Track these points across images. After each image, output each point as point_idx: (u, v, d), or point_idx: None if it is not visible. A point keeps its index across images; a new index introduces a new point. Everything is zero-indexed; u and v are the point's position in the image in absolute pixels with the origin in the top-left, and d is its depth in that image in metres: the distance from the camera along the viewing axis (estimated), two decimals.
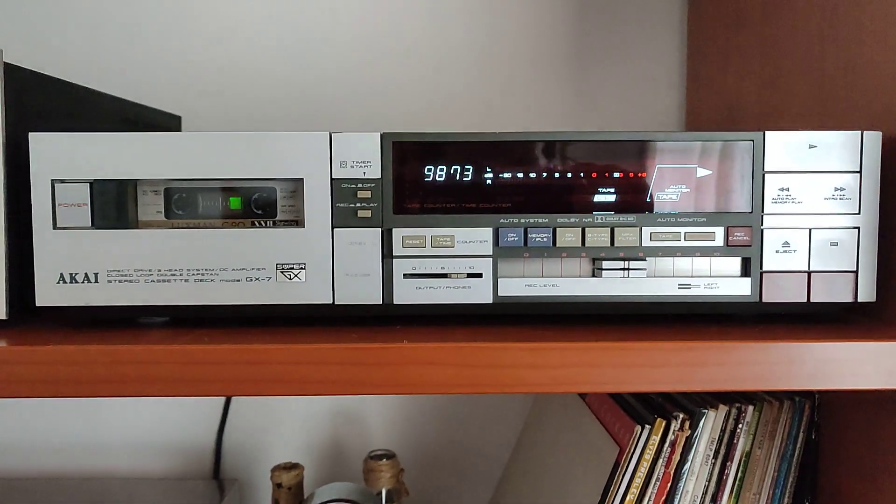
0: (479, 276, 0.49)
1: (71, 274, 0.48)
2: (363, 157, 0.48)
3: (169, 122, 0.81)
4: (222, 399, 0.88)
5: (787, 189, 0.49)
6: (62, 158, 0.48)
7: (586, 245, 0.49)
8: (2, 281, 0.48)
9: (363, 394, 0.45)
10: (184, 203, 0.49)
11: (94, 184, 0.48)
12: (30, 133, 0.47)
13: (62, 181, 0.48)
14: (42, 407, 0.90)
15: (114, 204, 0.48)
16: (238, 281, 0.49)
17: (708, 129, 0.81)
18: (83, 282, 0.48)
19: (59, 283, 0.48)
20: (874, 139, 0.49)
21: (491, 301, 0.49)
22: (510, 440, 0.91)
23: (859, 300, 0.50)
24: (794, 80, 0.64)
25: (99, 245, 0.48)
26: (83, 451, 0.90)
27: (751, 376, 0.46)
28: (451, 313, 0.50)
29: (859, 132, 0.49)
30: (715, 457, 0.60)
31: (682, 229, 0.49)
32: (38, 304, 0.48)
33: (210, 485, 0.87)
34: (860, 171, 0.49)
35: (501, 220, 0.49)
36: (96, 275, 0.48)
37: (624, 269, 0.49)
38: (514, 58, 0.88)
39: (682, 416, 0.59)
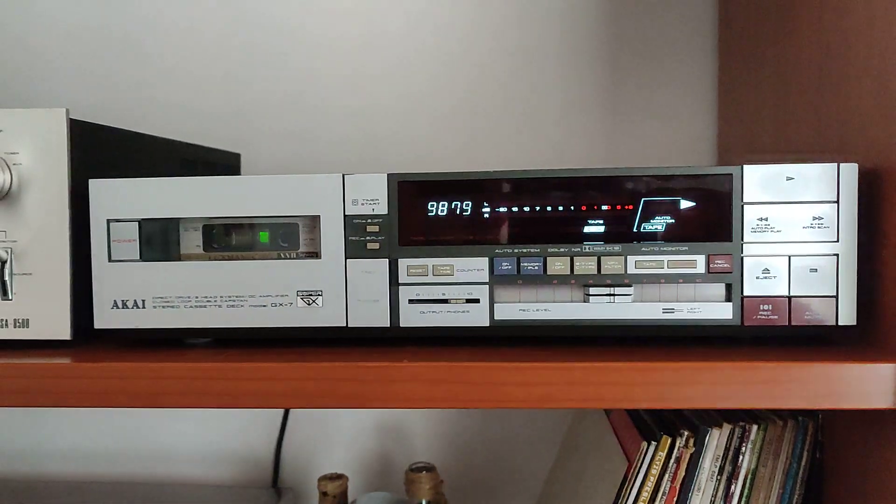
0: (477, 301, 0.54)
1: (123, 300, 0.55)
2: (372, 196, 0.54)
3: (229, 160, 0.89)
4: (281, 412, 0.95)
5: (766, 219, 0.52)
6: (116, 201, 0.55)
7: (575, 273, 0.53)
8: (67, 307, 0.56)
9: (365, 407, 0.50)
10: (219, 238, 0.56)
11: (142, 222, 0.55)
12: (90, 180, 0.55)
13: (116, 220, 0.55)
14: (110, 415, 0.99)
15: (159, 239, 0.56)
16: (265, 306, 0.55)
17: (735, 158, 0.84)
18: (133, 307, 0.55)
19: (112, 308, 0.55)
20: (851, 171, 0.51)
21: (488, 324, 0.54)
22: (549, 458, 0.94)
23: (840, 324, 0.52)
24: (798, 113, 0.66)
25: (146, 275, 0.55)
26: (152, 457, 0.99)
27: (728, 395, 0.49)
28: (452, 335, 0.55)
29: (836, 164, 0.52)
30: (720, 474, 0.63)
31: (665, 258, 0.53)
32: (95, 326, 0.56)
33: (268, 493, 0.94)
34: (837, 201, 0.52)
35: (496, 251, 0.54)
36: (143, 301, 0.55)
37: (610, 294, 0.53)
38: (547, 93, 0.93)
39: (686, 433, 0.62)
